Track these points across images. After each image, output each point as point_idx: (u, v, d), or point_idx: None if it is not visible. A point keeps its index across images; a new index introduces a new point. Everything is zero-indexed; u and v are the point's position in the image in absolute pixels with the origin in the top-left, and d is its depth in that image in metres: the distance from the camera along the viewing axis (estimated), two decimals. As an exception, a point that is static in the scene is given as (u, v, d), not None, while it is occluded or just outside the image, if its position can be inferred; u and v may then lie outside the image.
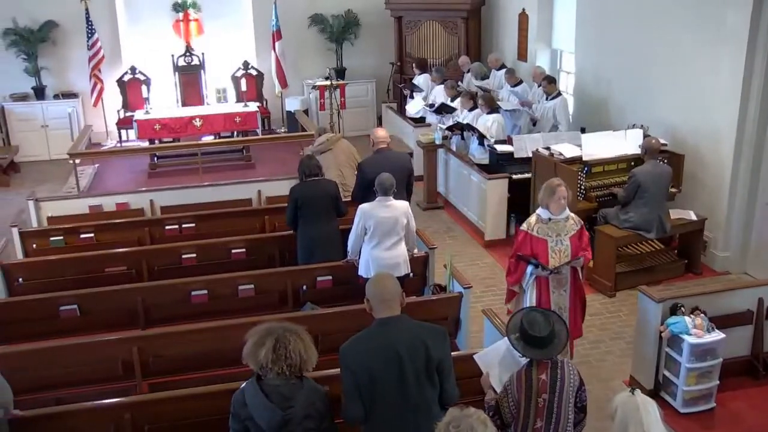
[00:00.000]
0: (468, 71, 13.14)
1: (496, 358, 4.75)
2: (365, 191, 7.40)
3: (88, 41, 13.95)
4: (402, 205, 6.80)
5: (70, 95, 14.52)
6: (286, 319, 6.27)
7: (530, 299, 6.40)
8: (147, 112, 13.56)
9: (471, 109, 10.97)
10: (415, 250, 7.19)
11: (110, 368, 6.01)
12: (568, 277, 6.41)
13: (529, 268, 6.31)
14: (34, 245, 8.39)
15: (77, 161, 12.18)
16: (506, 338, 4.54)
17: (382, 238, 6.66)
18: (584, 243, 6.39)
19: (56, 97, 14.47)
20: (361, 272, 6.85)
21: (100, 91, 14.25)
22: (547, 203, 6.25)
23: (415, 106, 12.89)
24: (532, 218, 6.39)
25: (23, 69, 14.17)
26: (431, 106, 12.11)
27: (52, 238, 8.40)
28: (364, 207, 6.73)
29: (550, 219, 6.27)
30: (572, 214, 6.40)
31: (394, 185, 6.68)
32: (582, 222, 6.47)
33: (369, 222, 6.63)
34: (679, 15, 8.95)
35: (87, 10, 13.80)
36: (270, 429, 3.80)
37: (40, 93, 14.34)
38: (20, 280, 7.56)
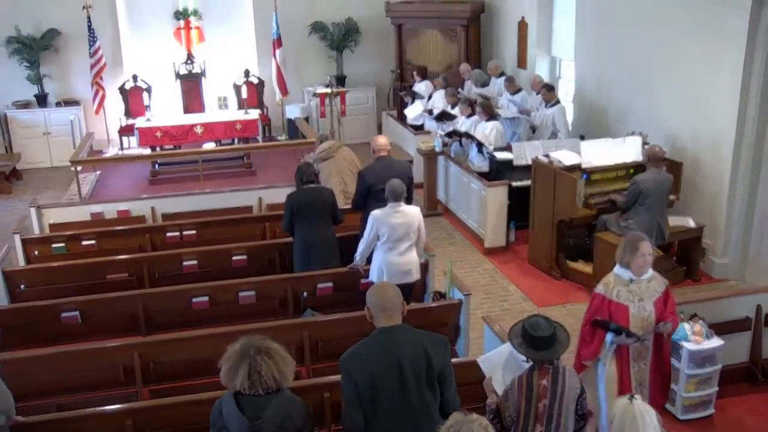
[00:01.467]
0: (468, 78, 13.16)
1: (499, 362, 4.75)
2: (366, 198, 7.42)
3: (90, 49, 13.97)
4: (413, 210, 6.80)
5: (72, 103, 14.53)
6: (286, 326, 6.35)
7: (609, 374, 5.40)
8: (148, 120, 13.57)
9: (469, 116, 10.98)
10: (420, 258, 7.19)
11: (112, 374, 6.01)
12: (650, 347, 5.47)
13: (609, 337, 5.28)
14: (36, 252, 8.40)
15: (79, 168, 12.21)
16: (509, 343, 4.55)
17: (395, 244, 6.65)
18: (671, 307, 5.42)
19: (58, 104, 14.48)
20: (372, 278, 6.82)
21: (101, 98, 14.26)
22: (628, 261, 5.23)
23: (413, 111, 12.92)
24: (609, 279, 5.34)
25: (26, 76, 14.17)
26: (430, 112, 12.13)
27: (54, 245, 8.41)
28: (376, 213, 6.70)
29: (631, 280, 5.26)
30: (656, 273, 5.43)
31: (404, 191, 6.68)
32: (667, 282, 5.49)
33: (383, 228, 6.61)
34: (677, 19, 8.95)
35: (89, 17, 13.80)
36: None
37: (42, 100, 14.35)
38: (22, 286, 7.57)
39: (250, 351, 3.83)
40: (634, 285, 5.26)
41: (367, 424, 4.08)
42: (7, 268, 7.59)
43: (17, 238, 8.39)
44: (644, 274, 5.26)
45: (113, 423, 5.08)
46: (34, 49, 14.03)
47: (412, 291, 6.89)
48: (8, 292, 7.50)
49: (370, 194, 7.32)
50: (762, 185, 8.32)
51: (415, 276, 6.83)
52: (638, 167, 8.62)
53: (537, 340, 4.25)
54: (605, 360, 5.34)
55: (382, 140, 8.04)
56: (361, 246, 6.89)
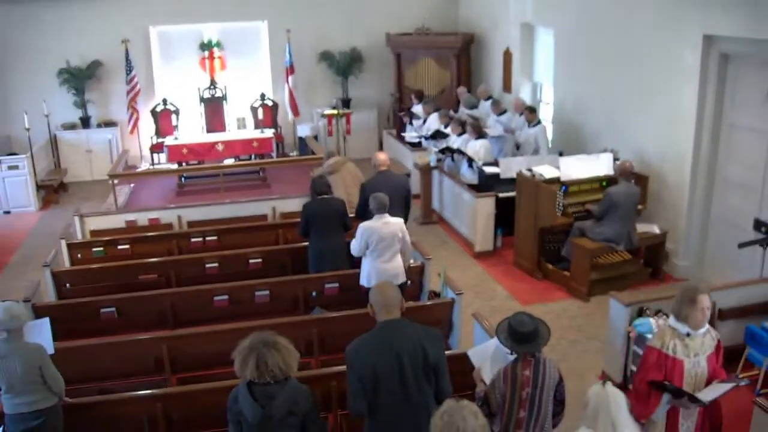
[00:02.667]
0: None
1: (486, 354, 4.75)
2: (367, 208, 7.41)
3: (126, 77, 14.02)
4: (398, 221, 6.75)
5: (111, 124, 14.59)
6: (297, 323, 6.34)
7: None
8: (176, 138, 13.59)
9: (460, 134, 10.98)
10: (411, 261, 7.18)
11: (144, 364, 6.04)
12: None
13: (666, 398, 4.53)
14: (79, 255, 8.43)
15: (116, 181, 12.22)
16: (496, 338, 4.54)
17: (382, 252, 6.62)
18: (720, 361, 4.62)
19: (99, 125, 14.54)
20: (363, 282, 6.80)
21: (135, 120, 14.28)
22: (685, 315, 4.46)
23: (411, 133, 12.97)
24: (665, 333, 4.57)
25: (73, 102, 14.25)
26: (425, 137, 12.12)
27: (94, 249, 8.43)
28: (365, 225, 6.67)
29: (688, 334, 4.48)
30: (710, 327, 4.60)
31: (388, 203, 6.65)
32: (719, 336, 4.67)
33: (372, 237, 6.58)
34: (642, 51, 8.99)
35: (127, 50, 13.90)
36: (254, 423, 3.82)
37: (85, 122, 14.42)
38: (67, 285, 7.61)
39: (259, 344, 3.85)
40: (690, 340, 4.48)
41: (370, 409, 4.07)
42: (55, 269, 7.62)
43: (63, 243, 8.41)
44: (701, 329, 4.50)
45: (145, 406, 5.11)
46: (80, 79, 14.14)
47: (402, 292, 6.86)
48: (56, 290, 7.54)
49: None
50: (716, 196, 8.38)
51: (401, 279, 6.74)
52: (610, 180, 8.64)
53: (521, 335, 4.24)
54: (657, 419, 4.58)
55: (382, 156, 8.04)
56: (355, 249, 6.82)
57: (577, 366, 6.89)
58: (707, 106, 8.11)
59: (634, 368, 6.25)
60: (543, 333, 4.33)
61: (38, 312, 6.60)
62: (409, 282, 7.03)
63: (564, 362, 6.77)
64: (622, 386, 6.11)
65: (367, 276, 6.74)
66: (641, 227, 8.55)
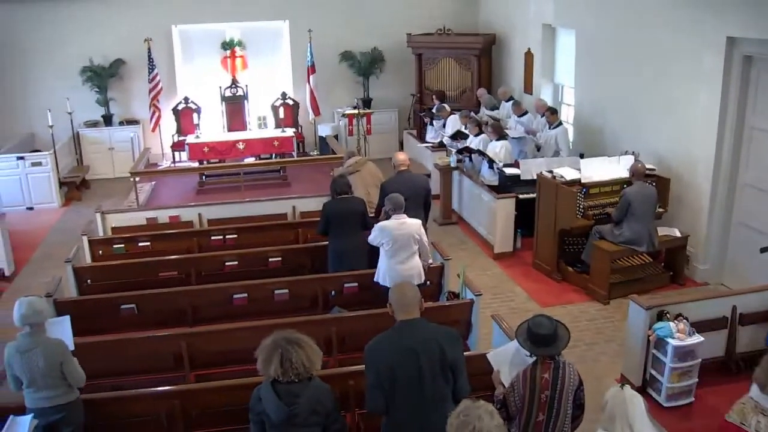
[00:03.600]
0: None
1: (506, 357, 4.73)
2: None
3: (149, 75, 14.13)
4: (414, 222, 6.73)
5: (133, 122, 14.70)
6: (316, 321, 6.35)
7: None
8: (197, 137, 13.64)
9: (477, 135, 10.96)
10: (431, 261, 7.15)
11: (163, 360, 6.07)
12: None
13: None
14: (100, 251, 8.48)
15: (137, 179, 12.29)
16: (515, 340, 4.52)
17: (397, 252, 6.61)
18: None
19: (121, 123, 14.65)
20: (377, 279, 6.80)
21: (157, 118, 14.37)
22: None
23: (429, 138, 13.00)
24: (746, 407, 3.97)
25: (95, 100, 14.40)
26: (446, 137, 12.14)
27: (115, 246, 8.49)
28: (381, 224, 6.68)
29: None
30: None
31: (403, 203, 6.66)
32: None
33: (385, 239, 6.57)
34: (663, 55, 8.91)
35: (149, 49, 13.99)
36: (279, 422, 3.82)
37: (108, 120, 14.55)
38: (89, 281, 7.66)
39: (282, 342, 3.85)
40: None
41: (387, 407, 4.07)
42: (76, 265, 7.67)
43: (85, 239, 8.47)
44: None
45: (164, 402, 5.14)
46: (103, 77, 14.28)
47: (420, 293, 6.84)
48: (77, 285, 7.59)
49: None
50: (737, 201, 8.29)
51: (417, 280, 6.67)
52: (630, 182, 8.56)
53: (540, 337, 4.22)
54: None
55: (402, 156, 8.03)
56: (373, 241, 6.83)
57: (595, 369, 6.85)
58: (729, 109, 8.02)
59: (653, 372, 6.25)
60: (562, 336, 4.31)
61: (59, 307, 6.65)
62: (428, 282, 7.00)
63: (582, 365, 6.72)
64: (641, 390, 6.08)
65: (382, 275, 6.74)
66: (662, 230, 8.48)
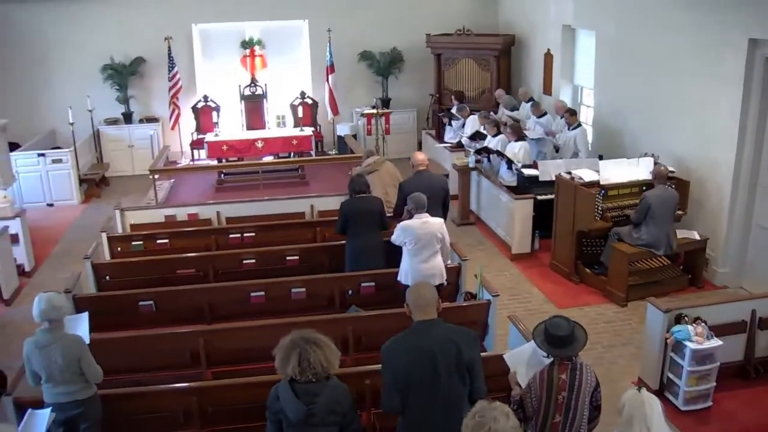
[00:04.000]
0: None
1: (523, 358, 4.72)
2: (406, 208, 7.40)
3: (169, 74, 14.23)
4: (437, 221, 6.74)
5: (152, 120, 14.82)
6: (332, 320, 6.35)
7: None
8: (216, 135, 13.72)
9: (495, 135, 10.93)
10: (449, 262, 7.14)
11: (180, 357, 6.10)
12: None
13: None
14: (119, 248, 8.53)
15: (156, 177, 12.36)
16: (532, 341, 4.50)
17: (420, 251, 6.60)
18: None
19: (141, 121, 14.79)
20: (400, 278, 6.79)
21: (177, 116, 14.46)
22: None
23: (450, 133, 12.95)
24: None
25: (115, 98, 14.54)
26: (465, 137, 12.12)
27: (133, 243, 8.54)
28: (404, 224, 6.67)
29: None
30: None
31: (426, 202, 6.66)
32: None
33: (408, 237, 6.57)
34: (684, 56, 8.85)
35: (170, 47, 14.10)
36: (297, 421, 3.82)
37: (128, 118, 14.67)
38: (107, 277, 7.69)
39: (301, 341, 3.85)
40: None
41: (403, 407, 4.06)
42: (95, 262, 7.71)
43: (104, 236, 8.51)
44: None
45: (181, 399, 5.16)
46: (124, 75, 14.41)
47: (439, 293, 6.81)
48: (96, 282, 7.64)
49: (410, 204, 7.29)
50: (758, 204, 8.22)
51: (439, 280, 6.68)
52: (650, 185, 8.49)
53: (557, 338, 4.21)
54: None
55: (420, 156, 8.02)
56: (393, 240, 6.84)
57: (612, 371, 6.80)
58: (751, 111, 7.93)
59: (670, 375, 6.21)
60: (580, 337, 4.29)
61: (78, 303, 6.71)
62: (446, 283, 6.99)
63: (599, 367, 6.66)
64: (658, 393, 6.04)
65: (405, 274, 6.73)
66: (681, 233, 8.42)
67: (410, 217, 6.72)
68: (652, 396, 3.79)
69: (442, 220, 6.90)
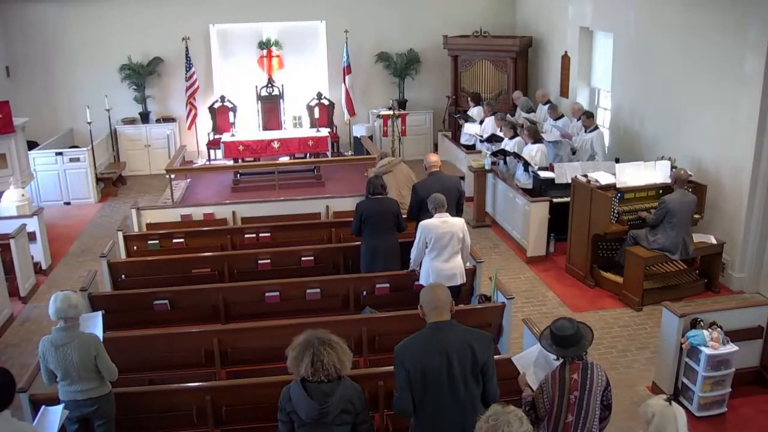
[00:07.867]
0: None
1: (530, 359, 4.73)
2: (419, 209, 7.40)
3: (186, 74, 14.33)
4: (458, 221, 6.75)
5: (169, 119, 14.93)
6: (347, 321, 6.36)
7: None
8: (233, 135, 13.78)
9: (511, 138, 10.91)
10: (467, 263, 7.14)
11: (194, 356, 6.12)
12: None
13: None
14: (135, 247, 8.60)
15: (173, 176, 12.43)
16: (538, 343, 4.51)
17: (440, 251, 6.61)
18: None
19: (158, 121, 14.89)
20: (422, 281, 6.77)
21: (194, 116, 14.55)
22: None
23: (467, 132, 12.92)
24: None
25: (133, 97, 14.67)
26: (483, 139, 12.08)
27: (149, 242, 8.60)
28: (424, 223, 6.68)
29: None
30: None
31: (445, 201, 6.67)
32: None
33: (429, 236, 6.58)
34: (702, 58, 8.80)
35: (187, 47, 14.20)
36: (309, 420, 3.83)
37: (145, 117, 14.78)
38: (123, 276, 7.76)
39: (314, 342, 3.85)
40: None
41: (416, 409, 4.06)
42: (111, 260, 7.76)
43: (120, 235, 8.59)
44: None
45: (195, 398, 5.19)
46: (141, 74, 14.54)
47: (458, 294, 6.82)
48: (112, 280, 7.69)
49: (423, 205, 7.29)
50: (776, 208, 8.18)
51: (459, 280, 6.73)
52: (667, 188, 8.45)
53: (563, 339, 4.24)
54: None
55: (433, 158, 8.03)
56: (413, 253, 6.86)
57: (627, 376, 6.77)
58: (770, 114, 7.89)
59: (685, 380, 6.18)
60: (585, 335, 4.33)
61: (94, 302, 6.76)
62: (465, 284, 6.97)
63: (613, 371, 6.67)
64: (673, 398, 6.00)
65: (425, 275, 6.73)
66: (698, 237, 8.36)
67: (426, 218, 6.73)
68: (680, 408, 3.81)
69: (462, 220, 6.90)
